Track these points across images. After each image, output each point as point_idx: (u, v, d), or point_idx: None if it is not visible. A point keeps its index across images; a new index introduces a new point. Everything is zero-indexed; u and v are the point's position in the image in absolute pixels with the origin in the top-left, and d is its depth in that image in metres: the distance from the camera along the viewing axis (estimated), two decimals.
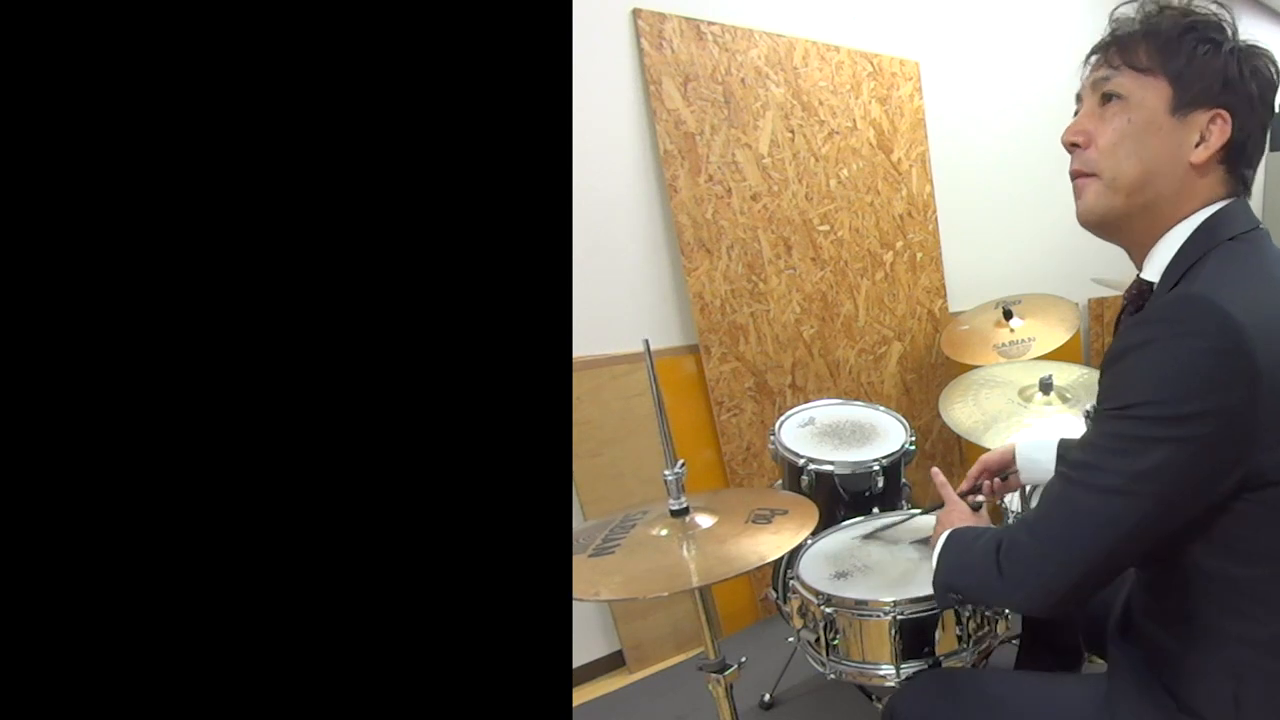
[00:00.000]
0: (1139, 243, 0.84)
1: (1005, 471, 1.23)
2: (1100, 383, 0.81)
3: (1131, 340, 0.75)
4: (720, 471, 2.33)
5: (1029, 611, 0.84)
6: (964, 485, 1.23)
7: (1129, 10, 0.83)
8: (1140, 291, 0.85)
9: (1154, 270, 0.82)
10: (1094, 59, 0.85)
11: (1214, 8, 0.82)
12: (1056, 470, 0.83)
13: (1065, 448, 1.13)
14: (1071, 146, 0.84)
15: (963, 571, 0.91)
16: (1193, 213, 0.80)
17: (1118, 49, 0.82)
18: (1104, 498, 0.75)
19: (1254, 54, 0.81)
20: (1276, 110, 0.83)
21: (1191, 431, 0.71)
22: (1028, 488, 1.74)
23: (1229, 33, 0.81)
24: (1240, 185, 0.82)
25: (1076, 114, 0.85)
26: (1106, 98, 0.82)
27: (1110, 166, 0.81)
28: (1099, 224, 0.84)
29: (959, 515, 1.05)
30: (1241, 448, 0.72)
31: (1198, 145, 0.79)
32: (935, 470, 1.18)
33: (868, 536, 1.32)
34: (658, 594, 0.94)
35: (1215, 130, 0.78)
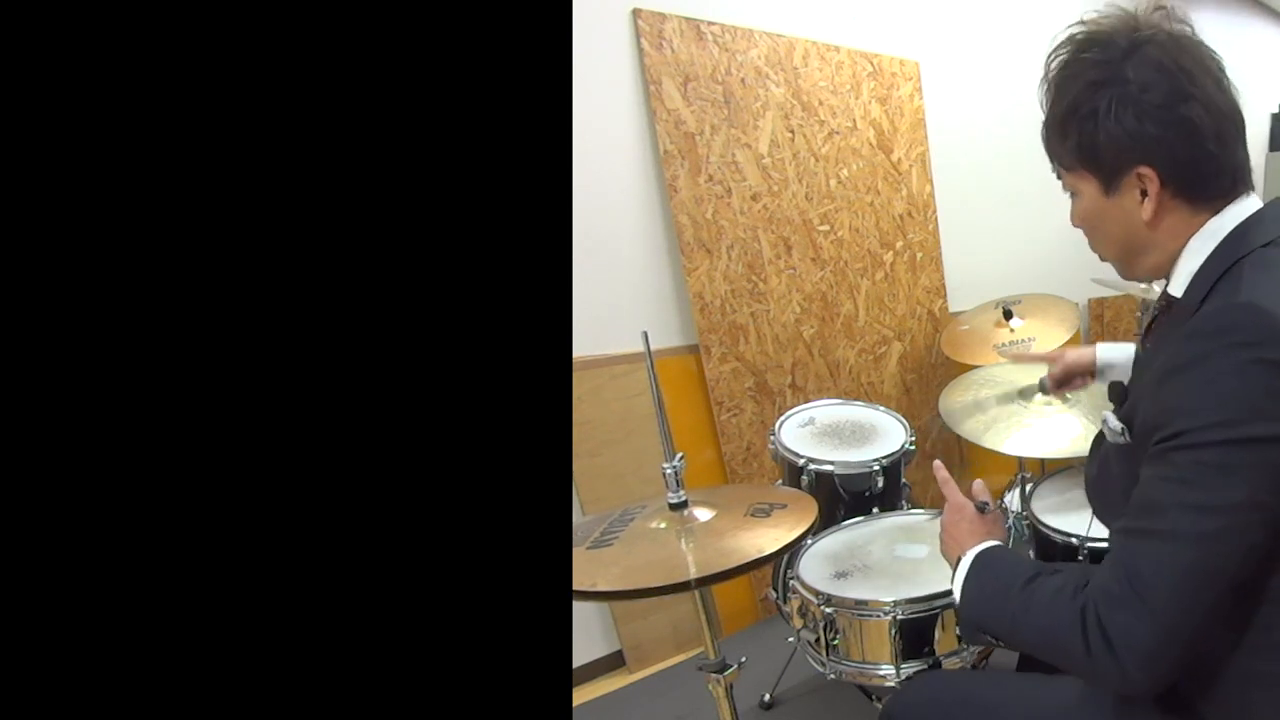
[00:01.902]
0: (1159, 273, 0.87)
1: (1092, 369, 1.27)
2: (1141, 407, 0.78)
3: (1179, 359, 0.73)
4: (720, 471, 2.33)
5: (1131, 694, 0.78)
6: (1052, 388, 1.31)
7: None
8: (1168, 304, 0.85)
9: (1178, 286, 0.82)
10: None
11: (1062, 55, 0.83)
12: (1118, 529, 0.78)
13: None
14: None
15: (1015, 618, 0.83)
16: (1193, 234, 0.80)
17: (1050, 154, 0.87)
18: (1198, 544, 0.70)
19: (1128, 94, 0.76)
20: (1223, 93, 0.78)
21: (1264, 456, 0.68)
22: (1028, 487, 1.76)
23: (1101, 76, 0.78)
24: (1215, 197, 0.80)
25: None
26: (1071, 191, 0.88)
27: (1096, 247, 0.90)
28: (1125, 278, 0.93)
29: (967, 525, 0.98)
30: None
31: (1144, 202, 0.80)
32: (938, 464, 1.13)
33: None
34: (654, 584, 0.94)
35: (1148, 182, 0.79)
